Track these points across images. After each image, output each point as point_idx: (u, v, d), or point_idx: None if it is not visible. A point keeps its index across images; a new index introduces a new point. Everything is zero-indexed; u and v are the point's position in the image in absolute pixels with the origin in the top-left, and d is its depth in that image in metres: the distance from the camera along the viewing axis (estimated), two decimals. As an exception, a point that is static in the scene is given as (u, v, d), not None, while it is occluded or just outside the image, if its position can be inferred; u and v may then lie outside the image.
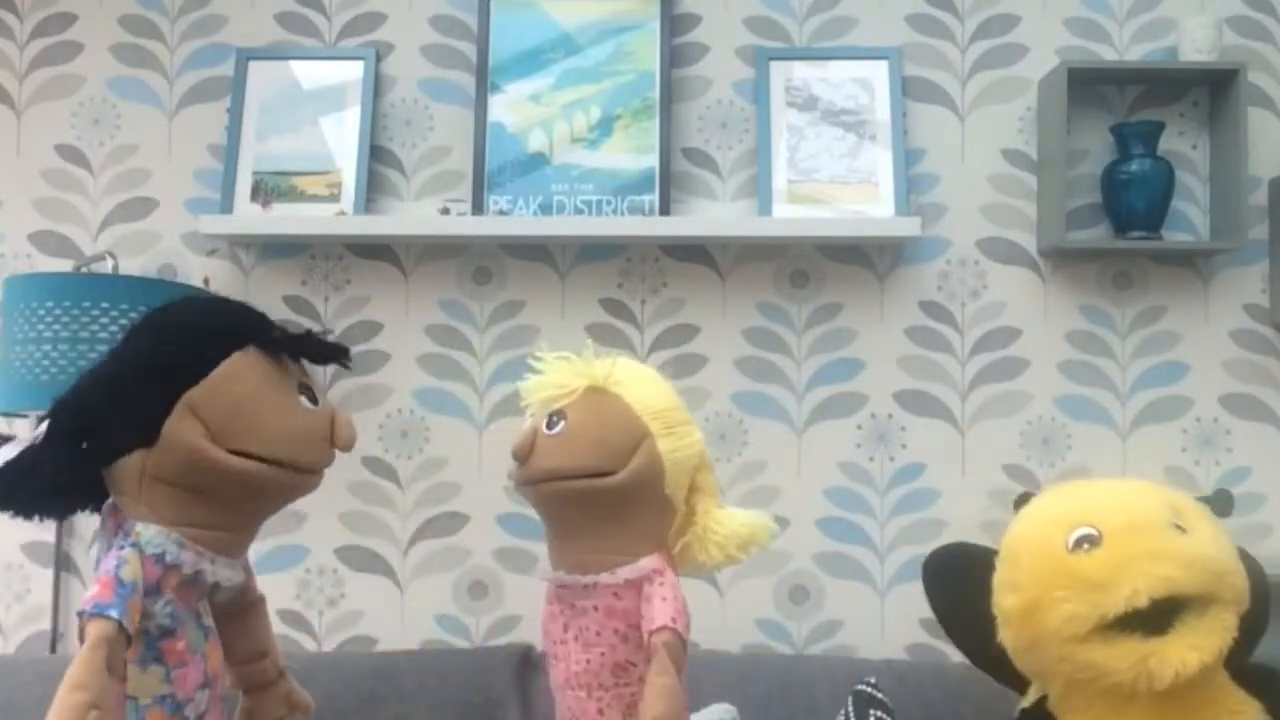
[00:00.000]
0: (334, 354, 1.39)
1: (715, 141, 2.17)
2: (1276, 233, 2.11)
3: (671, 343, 2.15)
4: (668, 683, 1.28)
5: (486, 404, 2.15)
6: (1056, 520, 1.39)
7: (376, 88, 2.17)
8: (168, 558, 1.26)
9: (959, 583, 1.50)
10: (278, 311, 2.12)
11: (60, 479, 1.26)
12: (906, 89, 2.16)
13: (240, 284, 2.16)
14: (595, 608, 1.37)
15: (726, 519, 1.42)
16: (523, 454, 1.38)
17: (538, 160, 2.13)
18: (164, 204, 2.19)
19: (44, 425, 1.28)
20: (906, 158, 2.13)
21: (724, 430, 2.13)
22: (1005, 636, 1.41)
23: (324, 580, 2.13)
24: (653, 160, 2.11)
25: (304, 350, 1.36)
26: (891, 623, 2.09)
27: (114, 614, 1.18)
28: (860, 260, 2.15)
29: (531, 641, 1.96)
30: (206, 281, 2.14)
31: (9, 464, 1.25)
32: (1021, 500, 1.53)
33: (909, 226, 2.04)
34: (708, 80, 2.18)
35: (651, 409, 1.39)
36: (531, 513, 1.48)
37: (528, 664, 1.89)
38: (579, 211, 2.10)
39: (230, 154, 2.14)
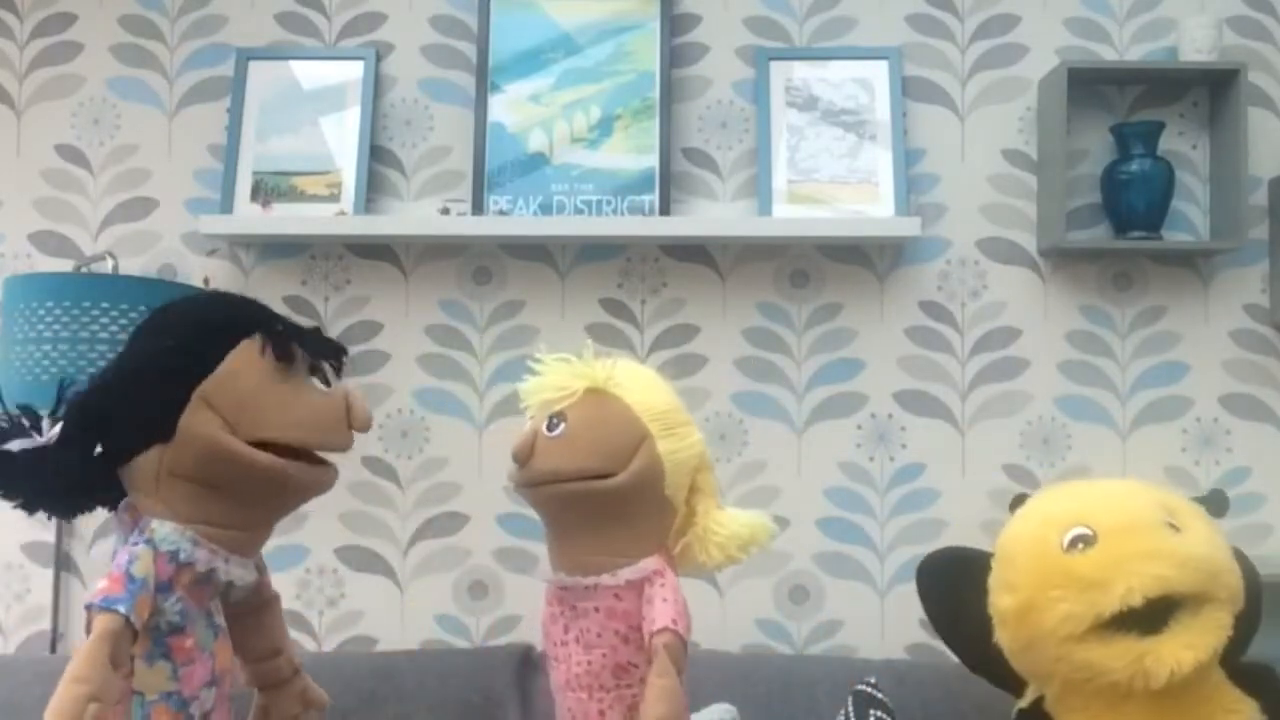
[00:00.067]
0: (331, 350, 1.40)
1: (715, 141, 2.17)
2: (1276, 233, 2.11)
3: (671, 343, 2.15)
4: (668, 684, 1.28)
5: (486, 404, 2.15)
6: (1051, 520, 1.40)
7: (376, 88, 2.17)
8: (181, 555, 1.27)
9: (953, 587, 1.50)
10: (278, 312, 2.11)
11: (72, 481, 1.27)
12: (906, 89, 2.16)
13: (240, 284, 2.16)
14: (596, 609, 1.37)
15: (727, 519, 1.42)
16: (523, 456, 1.39)
17: (538, 160, 2.13)
18: (164, 204, 2.19)
19: (57, 428, 1.28)
20: (906, 158, 2.12)
21: (724, 430, 2.13)
22: (1002, 637, 1.42)
23: (324, 580, 2.13)
24: (653, 160, 2.11)
25: (304, 341, 1.37)
26: (891, 623, 2.09)
27: (121, 609, 1.19)
28: (860, 260, 2.15)
29: (531, 641, 1.96)
30: (206, 281, 2.14)
31: (26, 463, 1.26)
32: (1017, 501, 1.54)
33: (909, 226, 2.04)
34: (708, 80, 2.18)
35: (651, 410, 1.40)
36: (531, 513, 1.48)
37: (528, 664, 1.89)
38: (579, 211, 2.10)
39: (230, 154, 2.14)
